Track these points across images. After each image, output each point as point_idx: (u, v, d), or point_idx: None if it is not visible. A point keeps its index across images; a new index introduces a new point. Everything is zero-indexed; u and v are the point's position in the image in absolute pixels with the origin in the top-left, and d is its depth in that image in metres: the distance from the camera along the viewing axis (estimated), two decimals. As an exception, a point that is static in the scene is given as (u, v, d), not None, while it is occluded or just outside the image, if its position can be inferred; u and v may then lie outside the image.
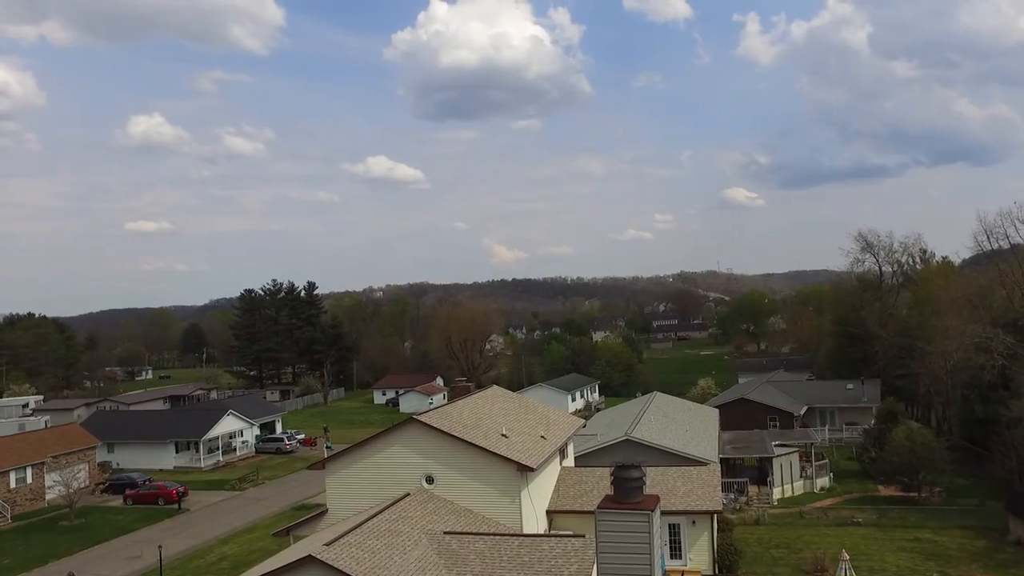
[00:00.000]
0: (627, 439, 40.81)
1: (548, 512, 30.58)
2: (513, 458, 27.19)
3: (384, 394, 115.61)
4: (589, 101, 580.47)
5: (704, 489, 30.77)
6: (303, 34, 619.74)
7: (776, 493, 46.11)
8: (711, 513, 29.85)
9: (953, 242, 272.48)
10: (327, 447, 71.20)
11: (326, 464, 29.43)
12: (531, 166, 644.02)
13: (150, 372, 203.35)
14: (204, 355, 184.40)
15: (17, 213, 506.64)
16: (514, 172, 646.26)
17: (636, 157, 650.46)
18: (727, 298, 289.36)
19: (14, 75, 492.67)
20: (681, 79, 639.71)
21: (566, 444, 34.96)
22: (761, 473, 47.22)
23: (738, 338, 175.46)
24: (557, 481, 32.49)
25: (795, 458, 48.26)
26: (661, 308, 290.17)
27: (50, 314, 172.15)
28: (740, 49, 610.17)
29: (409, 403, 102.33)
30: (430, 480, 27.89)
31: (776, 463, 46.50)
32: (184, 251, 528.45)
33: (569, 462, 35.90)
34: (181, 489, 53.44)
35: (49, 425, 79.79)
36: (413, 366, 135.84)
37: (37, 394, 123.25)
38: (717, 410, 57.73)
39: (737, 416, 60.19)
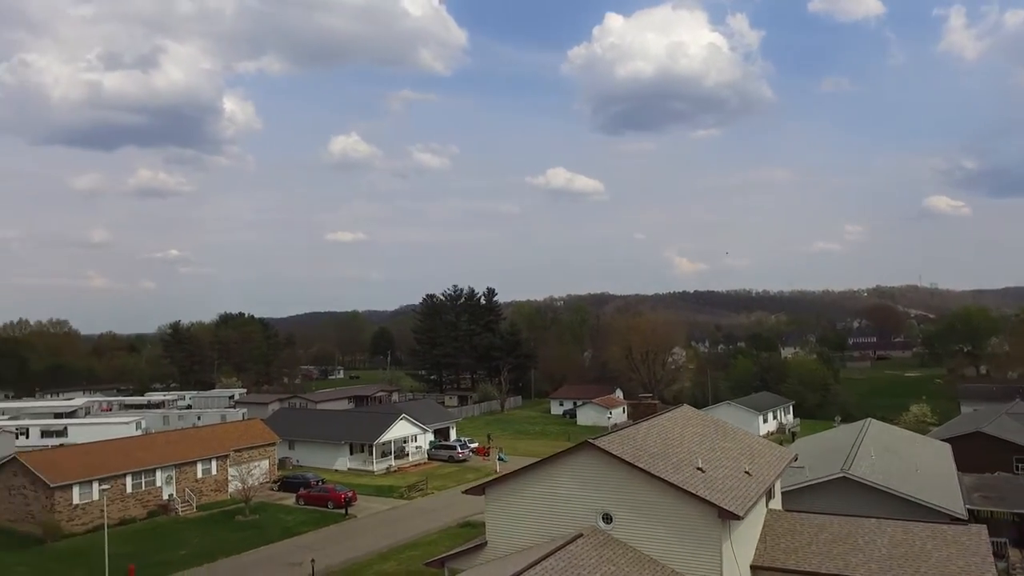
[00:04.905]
0: (843, 476, 34.54)
1: (753, 568, 24.75)
2: (714, 501, 21.78)
3: (561, 404, 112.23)
4: (771, 108, 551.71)
5: (968, 558, 23.50)
6: (484, 54, 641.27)
7: (1042, 558, 36.82)
8: (980, 594, 22.69)
9: None
10: (499, 459, 68.31)
11: (486, 489, 25.49)
12: (711, 176, 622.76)
13: (341, 372, 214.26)
14: (389, 358, 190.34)
15: (235, 224, 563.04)
16: (694, 182, 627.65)
17: (822, 165, 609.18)
18: (932, 315, 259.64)
19: (239, 105, 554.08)
20: (871, 81, 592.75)
21: (774, 482, 28.80)
22: (1020, 532, 37.90)
23: (954, 360, 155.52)
24: (763, 527, 26.53)
25: (1066, 515, 38.45)
26: (856, 324, 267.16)
27: (261, 315, 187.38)
28: (942, 45, 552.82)
29: (586, 415, 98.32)
30: (607, 519, 23.12)
31: (1042, 520, 37.17)
32: (377, 260, 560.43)
33: (776, 503, 29.67)
34: (349, 494, 52.23)
35: (246, 417, 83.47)
36: (591, 376, 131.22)
37: (242, 387, 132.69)
38: (948, 445, 48.44)
39: (971, 454, 50.34)
